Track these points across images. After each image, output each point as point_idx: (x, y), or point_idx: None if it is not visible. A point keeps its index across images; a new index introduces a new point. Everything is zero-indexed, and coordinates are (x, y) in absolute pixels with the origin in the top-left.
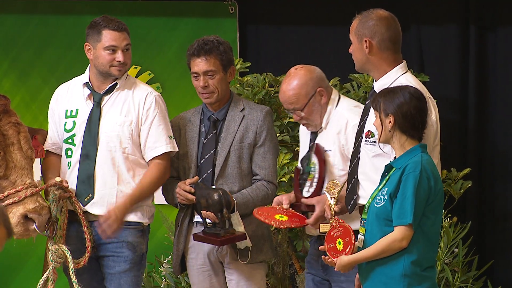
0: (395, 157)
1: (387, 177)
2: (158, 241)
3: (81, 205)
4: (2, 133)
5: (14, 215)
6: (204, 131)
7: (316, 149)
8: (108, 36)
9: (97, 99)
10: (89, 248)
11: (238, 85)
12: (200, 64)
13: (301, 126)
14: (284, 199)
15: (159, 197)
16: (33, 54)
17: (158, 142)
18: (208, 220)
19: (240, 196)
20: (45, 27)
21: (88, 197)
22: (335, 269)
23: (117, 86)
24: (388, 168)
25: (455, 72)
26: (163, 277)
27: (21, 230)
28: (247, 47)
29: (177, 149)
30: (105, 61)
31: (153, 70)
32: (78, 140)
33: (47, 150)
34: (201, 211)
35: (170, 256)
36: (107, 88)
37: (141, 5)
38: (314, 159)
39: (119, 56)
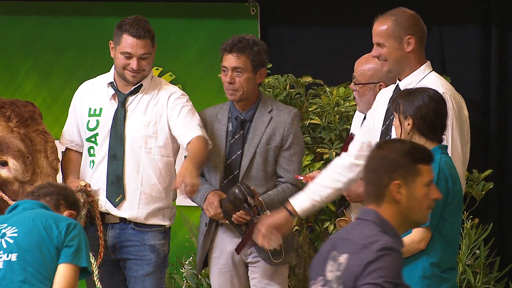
0: None
1: None
2: (180, 243)
3: (99, 209)
4: (30, 139)
5: None
6: (231, 130)
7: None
8: (126, 42)
9: (122, 99)
10: (101, 254)
11: (259, 87)
12: (230, 60)
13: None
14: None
15: (180, 198)
16: (54, 55)
17: (190, 128)
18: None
19: (266, 197)
20: (66, 28)
21: (119, 198)
22: None
23: (142, 87)
24: None
25: (477, 73)
26: (184, 279)
27: None
28: (269, 48)
29: (207, 138)
30: (120, 64)
31: (174, 72)
32: (101, 139)
33: (65, 147)
34: (232, 219)
35: (191, 258)
36: (132, 89)
37: (162, 6)
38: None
39: (133, 63)
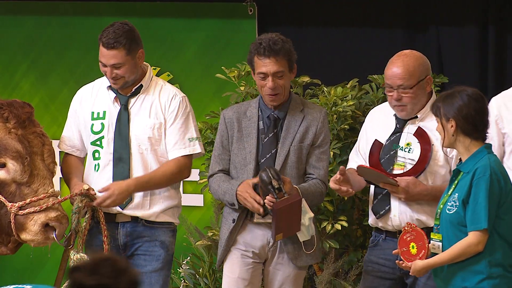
0: (460, 161)
1: (456, 182)
2: (177, 242)
3: (103, 214)
4: (27, 140)
5: (36, 223)
6: (263, 128)
7: (420, 132)
8: (100, 51)
9: (124, 102)
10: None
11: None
12: (269, 65)
13: (373, 112)
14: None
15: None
16: (53, 55)
17: (176, 145)
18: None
19: (301, 187)
20: (65, 28)
21: (127, 200)
22: (410, 273)
23: (142, 88)
24: (456, 172)
25: (474, 73)
26: (182, 278)
27: (42, 239)
28: None
29: (197, 151)
30: (101, 70)
31: (172, 71)
32: (106, 142)
33: (65, 153)
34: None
35: (189, 257)
36: (133, 90)
37: (160, 6)
38: (413, 140)
39: (108, 71)
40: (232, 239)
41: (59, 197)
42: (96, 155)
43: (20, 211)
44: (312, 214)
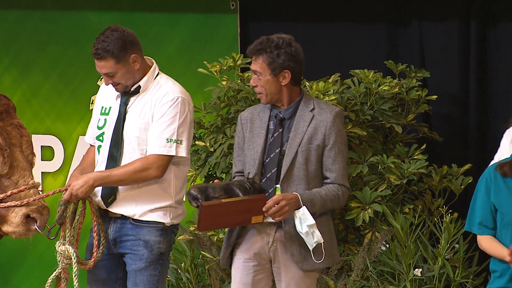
0: None
1: None
2: None
3: (96, 207)
4: (6, 132)
5: (17, 215)
6: (272, 128)
7: None
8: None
9: (124, 100)
10: (94, 254)
11: (239, 81)
12: (252, 63)
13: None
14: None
15: None
16: (34, 50)
17: (152, 143)
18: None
19: (308, 192)
20: (47, 23)
21: (110, 199)
22: None
23: (141, 88)
24: None
25: (456, 68)
26: None
27: (23, 230)
28: (249, 43)
29: (172, 154)
30: None
31: None
32: (106, 138)
33: (90, 144)
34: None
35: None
36: (133, 89)
37: (142, 0)
38: None
39: (104, 79)
40: (231, 237)
41: (39, 188)
42: (100, 150)
43: (1, 204)
44: (312, 222)
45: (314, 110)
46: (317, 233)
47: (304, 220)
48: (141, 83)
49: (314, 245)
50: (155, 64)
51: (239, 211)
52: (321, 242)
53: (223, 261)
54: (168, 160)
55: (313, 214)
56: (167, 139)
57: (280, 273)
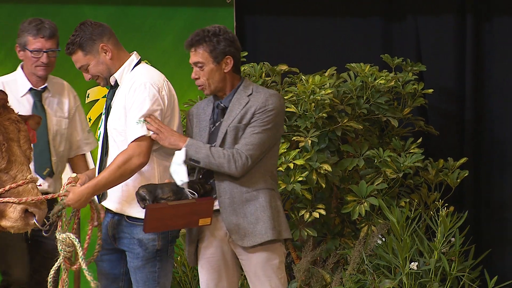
0: None
1: None
2: None
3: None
4: (3, 127)
5: (15, 210)
6: (215, 118)
7: None
8: None
9: (109, 95)
10: (96, 249)
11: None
12: (191, 56)
13: None
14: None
15: None
16: None
17: (128, 131)
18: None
19: (200, 142)
20: (42, 16)
21: (101, 194)
22: None
23: (117, 80)
24: None
25: (452, 62)
26: None
27: (22, 224)
28: (244, 36)
29: (142, 134)
30: None
31: (149, 60)
32: (99, 135)
33: None
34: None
35: None
36: (113, 83)
37: None
38: None
39: (84, 75)
40: (192, 233)
41: (37, 183)
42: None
43: (0, 199)
44: (180, 161)
45: (251, 95)
46: (183, 172)
47: (174, 159)
48: (116, 75)
49: (180, 183)
50: (133, 55)
51: (186, 213)
52: (186, 181)
53: (189, 258)
54: (146, 145)
55: (197, 162)
56: (136, 122)
57: (243, 264)
